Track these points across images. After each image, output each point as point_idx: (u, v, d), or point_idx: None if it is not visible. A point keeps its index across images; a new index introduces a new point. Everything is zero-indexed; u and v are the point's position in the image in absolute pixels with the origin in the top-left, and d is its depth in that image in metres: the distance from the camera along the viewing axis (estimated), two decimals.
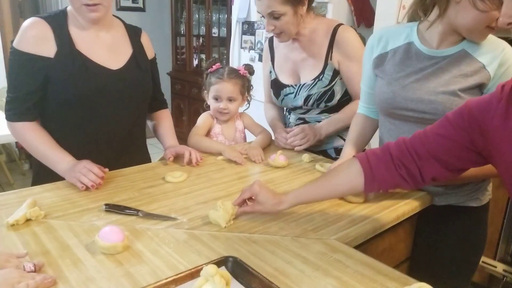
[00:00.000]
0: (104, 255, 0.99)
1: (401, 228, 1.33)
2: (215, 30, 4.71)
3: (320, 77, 1.77)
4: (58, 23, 1.46)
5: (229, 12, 4.16)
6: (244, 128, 2.00)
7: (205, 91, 1.92)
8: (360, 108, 1.59)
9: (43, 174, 1.50)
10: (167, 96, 5.60)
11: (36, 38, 1.42)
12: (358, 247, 1.12)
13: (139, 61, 1.61)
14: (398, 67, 1.35)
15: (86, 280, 0.90)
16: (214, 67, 1.86)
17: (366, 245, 1.17)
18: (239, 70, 1.86)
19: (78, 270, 0.93)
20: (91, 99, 1.49)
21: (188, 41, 5.12)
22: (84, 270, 0.93)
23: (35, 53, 1.41)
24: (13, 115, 1.45)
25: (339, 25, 1.75)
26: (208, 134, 1.91)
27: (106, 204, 1.23)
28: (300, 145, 1.76)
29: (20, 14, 5.10)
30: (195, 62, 5.14)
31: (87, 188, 1.34)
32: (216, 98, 1.85)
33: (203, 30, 4.88)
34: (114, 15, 1.62)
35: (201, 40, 5.06)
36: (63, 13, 1.50)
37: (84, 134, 1.53)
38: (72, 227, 1.13)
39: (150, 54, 1.70)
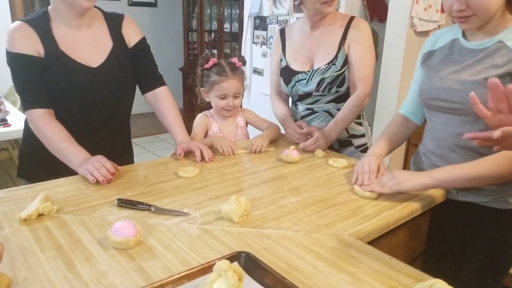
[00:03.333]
0: (117, 250, 0.99)
1: (414, 224, 1.31)
2: (227, 25, 4.70)
3: (334, 61, 1.81)
4: (41, 25, 1.50)
5: (241, 7, 4.15)
6: (247, 125, 1.98)
7: (202, 88, 1.89)
8: (403, 108, 1.60)
9: (28, 166, 1.66)
10: (179, 91, 5.58)
11: (25, 40, 1.47)
12: (371, 242, 1.10)
13: (119, 55, 1.64)
14: (442, 62, 1.39)
15: (99, 275, 0.90)
16: (211, 62, 1.83)
17: (379, 241, 1.16)
18: (236, 63, 1.85)
19: (90, 265, 0.93)
20: (73, 95, 1.55)
21: (200, 36, 5.12)
22: (97, 265, 0.93)
23: (28, 53, 1.47)
24: (27, 103, 1.50)
25: (353, 17, 1.86)
26: (206, 135, 1.89)
27: (118, 199, 1.24)
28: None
29: (31, 5, 5.14)
30: None
31: (97, 182, 1.35)
32: (222, 97, 1.83)
33: (215, 25, 4.88)
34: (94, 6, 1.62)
35: (213, 35, 5.05)
36: (45, 15, 1.53)
37: (69, 127, 1.53)
38: (84, 222, 1.13)
39: (135, 39, 1.69)
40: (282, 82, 1.95)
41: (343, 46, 1.81)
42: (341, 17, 1.87)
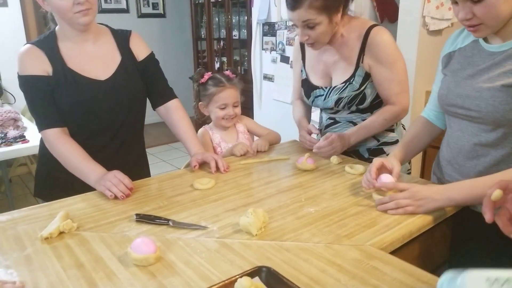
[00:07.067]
0: (137, 267, 0.98)
1: (437, 231, 1.28)
2: (235, 33, 4.70)
3: (351, 80, 1.69)
4: (48, 45, 1.54)
5: (249, 14, 4.15)
6: (248, 131, 2.01)
7: (200, 103, 1.91)
8: (426, 111, 1.51)
9: (44, 185, 1.69)
10: (189, 100, 5.64)
11: (33, 61, 1.50)
12: (393, 252, 1.08)
13: (128, 68, 1.65)
14: (460, 65, 1.30)
15: None
16: (206, 76, 1.87)
17: (401, 250, 1.13)
18: (229, 75, 1.90)
19: (112, 283, 0.93)
20: (83, 109, 1.56)
21: (209, 44, 5.14)
22: (118, 283, 0.93)
23: (38, 73, 1.49)
24: (42, 124, 1.53)
25: (371, 27, 1.65)
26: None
27: (136, 214, 1.23)
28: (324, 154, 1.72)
29: (45, 25, 5.21)
30: (217, 66, 5.16)
31: (116, 198, 1.36)
32: (222, 107, 1.87)
33: (223, 33, 4.89)
34: (100, 23, 1.67)
35: (221, 43, 5.07)
36: (52, 35, 1.57)
37: (82, 142, 1.54)
38: (104, 238, 1.13)
39: (143, 54, 1.71)
40: (303, 94, 1.89)
41: (362, 63, 1.66)
42: (358, 26, 1.68)
